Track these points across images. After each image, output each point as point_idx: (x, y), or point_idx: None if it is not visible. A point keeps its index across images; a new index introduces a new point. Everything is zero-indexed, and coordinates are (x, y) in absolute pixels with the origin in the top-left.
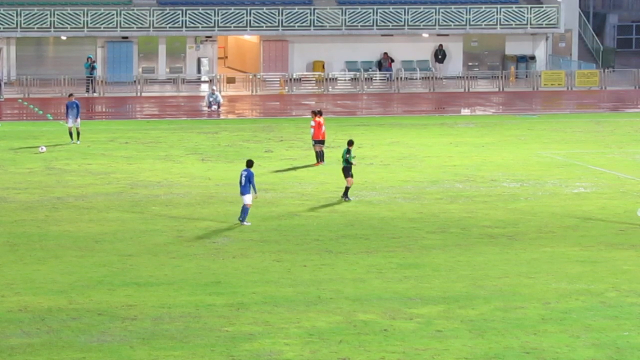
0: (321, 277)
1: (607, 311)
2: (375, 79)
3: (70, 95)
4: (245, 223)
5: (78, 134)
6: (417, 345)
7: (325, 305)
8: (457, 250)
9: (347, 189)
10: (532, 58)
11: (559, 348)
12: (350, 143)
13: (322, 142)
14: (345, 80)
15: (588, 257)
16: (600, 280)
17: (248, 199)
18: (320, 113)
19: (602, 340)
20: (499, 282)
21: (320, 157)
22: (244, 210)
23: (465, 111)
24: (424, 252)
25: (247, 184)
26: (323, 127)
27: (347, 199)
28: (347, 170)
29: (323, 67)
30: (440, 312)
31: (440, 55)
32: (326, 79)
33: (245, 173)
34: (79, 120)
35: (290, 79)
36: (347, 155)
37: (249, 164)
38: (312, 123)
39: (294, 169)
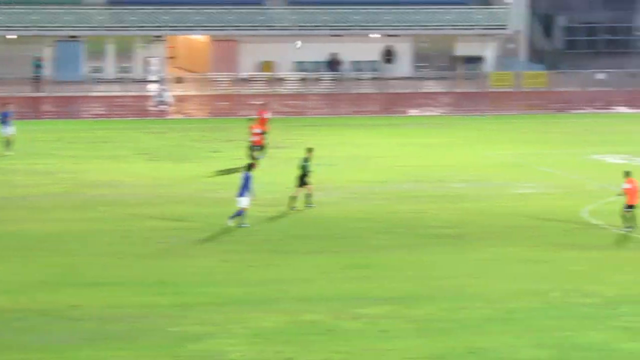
0: (268, 277)
1: (551, 311)
2: (324, 79)
3: (7, 104)
4: (243, 225)
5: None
6: (362, 345)
7: (271, 305)
8: (404, 251)
9: (306, 195)
10: (481, 59)
11: (503, 348)
12: (309, 151)
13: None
14: (294, 80)
15: (533, 257)
16: (545, 281)
17: (245, 201)
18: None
19: (545, 340)
20: (445, 282)
21: (255, 157)
22: (239, 212)
23: (414, 111)
24: (371, 253)
25: (245, 186)
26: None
27: (310, 205)
28: (304, 178)
29: (272, 67)
30: (386, 312)
31: (389, 56)
32: (275, 79)
33: (245, 176)
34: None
35: (239, 79)
36: (305, 163)
37: (249, 167)
38: (257, 131)
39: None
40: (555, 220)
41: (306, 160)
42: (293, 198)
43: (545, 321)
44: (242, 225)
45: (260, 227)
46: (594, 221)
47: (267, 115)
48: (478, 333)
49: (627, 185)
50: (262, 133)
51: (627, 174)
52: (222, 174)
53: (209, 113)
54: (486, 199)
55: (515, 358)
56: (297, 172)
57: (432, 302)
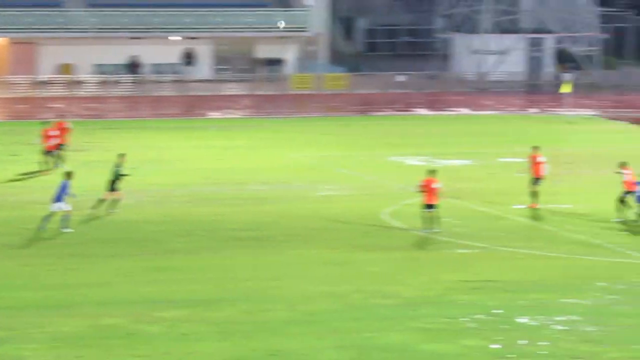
0: (68, 281)
1: (352, 313)
2: (124, 82)
3: None
4: (66, 230)
5: None
6: (163, 349)
7: (71, 309)
8: (205, 254)
9: (114, 201)
10: (282, 61)
11: (305, 350)
12: (121, 156)
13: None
14: (93, 83)
15: (334, 259)
16: (346, 282)
17: (63, 206)
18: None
19: (346, 342)
20: (246, 284)
21: (52, 162)
22: (66, 217)
23: (215, 114)
24: (171, 255)
25: (61, 193)
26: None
27: (113, 210)
28: (114, 183)
29: (71, 70)
30: (186, 315)
31: (189, 58)
32: (74, 82)
33: (62, 183)
34: None
35: (39, 82)
36: (117, 169)
37: (68, 175)
38: (53, 133)
39: (41, 172)
40: (356, 222)
41: (118, 165)
42: (101, 201)
43: (346, 323)
44: (42, 229)
45: (59, 231)
46: (394, 223)
47: (67, 125)
48: (280, 335)
49: (424, 184)
50: (59, 140)
51: (429, 172)
52: (24, 178)
53: (7, 116)
54: (287, 201)
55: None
56: (108, 177)
57: (233, 305)
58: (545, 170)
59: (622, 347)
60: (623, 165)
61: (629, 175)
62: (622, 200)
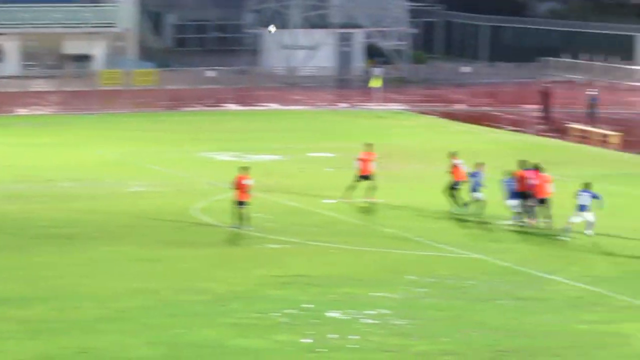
0: None
1: (163, 309)
2: None
3: None
4: None
5: None
6: None
7: None
8: (14, 252)
9: None
10: (90, 57)
11: (116, 347)
12: None
13: None
14: None
15: (145, 256)
16: (157, 279)
17: None
18: None
19: (158, 339)
20: (55, 282)
21: None
22: None
23: (23, 111)
24: None
25: None
26: None
27: None
28: None
29: None
30: None
31: None
32: None
33: None
34: None
35: None
36: None
37: None
38: None
39: None
40: (167, 218)
41: None
42: None
43: (158, 319)
44: None
45: None
46: (204, 219)
47: None
48: (90, 332)
49: (236, 180)
50: None
51: (241, 169)
52: None
53: None
54: (97, 198)
55: (127, 357)
56: None
57: (43, 303)
58: (373, 168)
59: (431, 339)
60: (453, 155)
61: (462, 164)
62: (452, 191)
